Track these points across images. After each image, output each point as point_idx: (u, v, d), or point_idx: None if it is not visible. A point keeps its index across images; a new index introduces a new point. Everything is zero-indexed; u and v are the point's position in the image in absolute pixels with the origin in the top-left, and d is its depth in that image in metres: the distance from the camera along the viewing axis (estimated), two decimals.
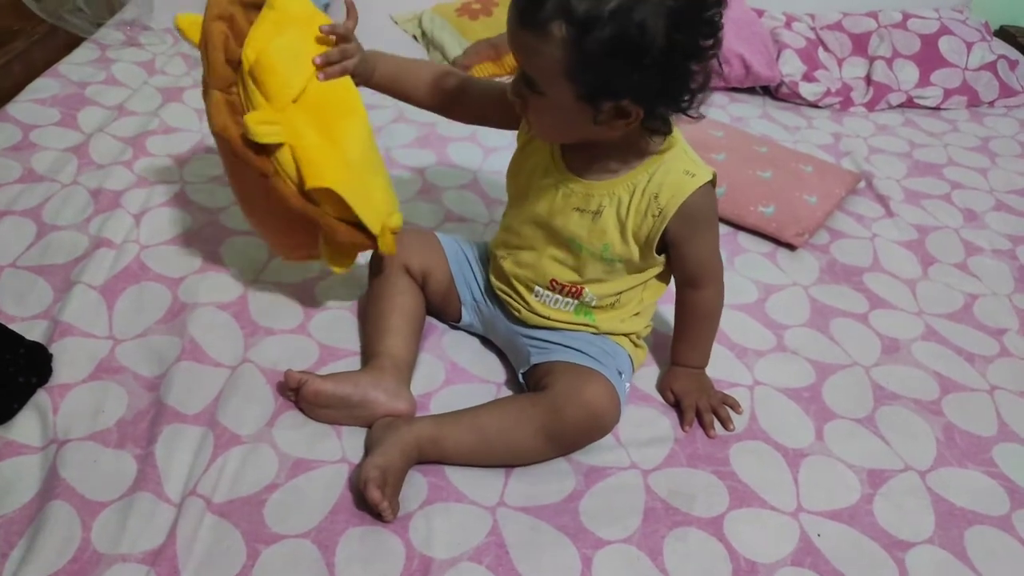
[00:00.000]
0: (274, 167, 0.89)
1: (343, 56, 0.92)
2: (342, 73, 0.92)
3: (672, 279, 0.98)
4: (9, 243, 1.12)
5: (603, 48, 0.73)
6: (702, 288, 0.95)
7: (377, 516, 0.80)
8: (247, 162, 0.89)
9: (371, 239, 0.94)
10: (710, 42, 0.77)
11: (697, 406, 0.96)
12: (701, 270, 0.94)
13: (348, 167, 0.92)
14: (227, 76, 0.91)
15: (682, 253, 0.92)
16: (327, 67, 0.91)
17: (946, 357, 1.12)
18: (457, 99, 1.00)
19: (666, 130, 0.86)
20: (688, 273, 0.95)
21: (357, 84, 0.96)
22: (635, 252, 0.91)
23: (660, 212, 0.87)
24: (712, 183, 0.89)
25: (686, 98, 0.80)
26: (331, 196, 0.89)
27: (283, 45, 0.89)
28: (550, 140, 0.91)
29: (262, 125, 0.86)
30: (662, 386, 1.00)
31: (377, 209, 0.94)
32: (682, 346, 1.00)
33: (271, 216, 0.97)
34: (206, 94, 0.93)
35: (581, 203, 0.90)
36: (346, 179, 0.90)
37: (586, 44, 0.73)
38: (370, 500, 0.78)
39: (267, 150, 0.88)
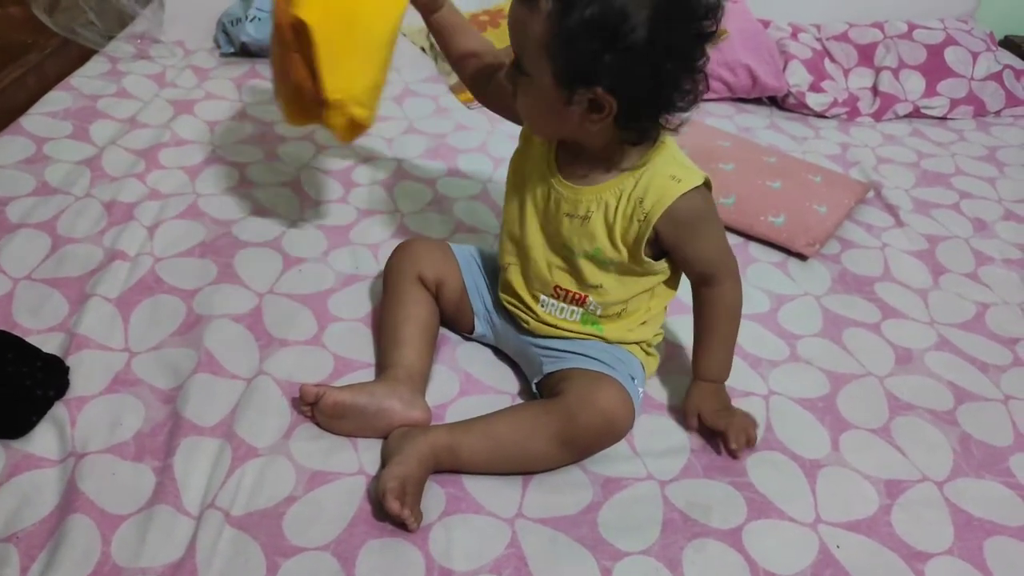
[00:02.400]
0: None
1: None
2: None
3: (678, 286, 0.98)
4: (24, 256, 1.12)
5: (582, 26, 0.75)
6: (716, 284, 0.94)
7: (401, 526, 0.80)
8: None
9: (321, 103, 0.95)
10: (696, 51, 0.78)
11: (728, 428, 0.93)
12: (711, 268, 0.93)
13: (345, 25, 0.94)
14: None
15: (685, 256, 0.92)
16: None
17: (959, 367, 1.12)
18: (489, 79, 1.02)
19: (641, 140, 0.86)
20: (698, 273, 0.94)
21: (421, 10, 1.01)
22: (625, 255, 0.91)
23: (645, 217, 0.87)
24: (704, 187, 0.89)
25: (662, 104, 0.81)
26: (308, 40, 0.92)
27: None
28: (536, 130, 0.93)
29: None
30: (687, 408, 0.96)
31: (348, 81, 0.95)
32: (704, 354, 0.97)
33: (282, 75, 1.00)
34: None
35: (570, 209, 0.91)
36: (331, 30, 0.92)
37: (567, 20, 0.75)
38: (390, 511, 0.79)
39: None
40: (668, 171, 0.87)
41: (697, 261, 0.93)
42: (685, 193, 0.86)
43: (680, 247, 0.91)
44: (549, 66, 0.79)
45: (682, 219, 0.88)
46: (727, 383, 1.00)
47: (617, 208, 0.88)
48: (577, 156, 0.90)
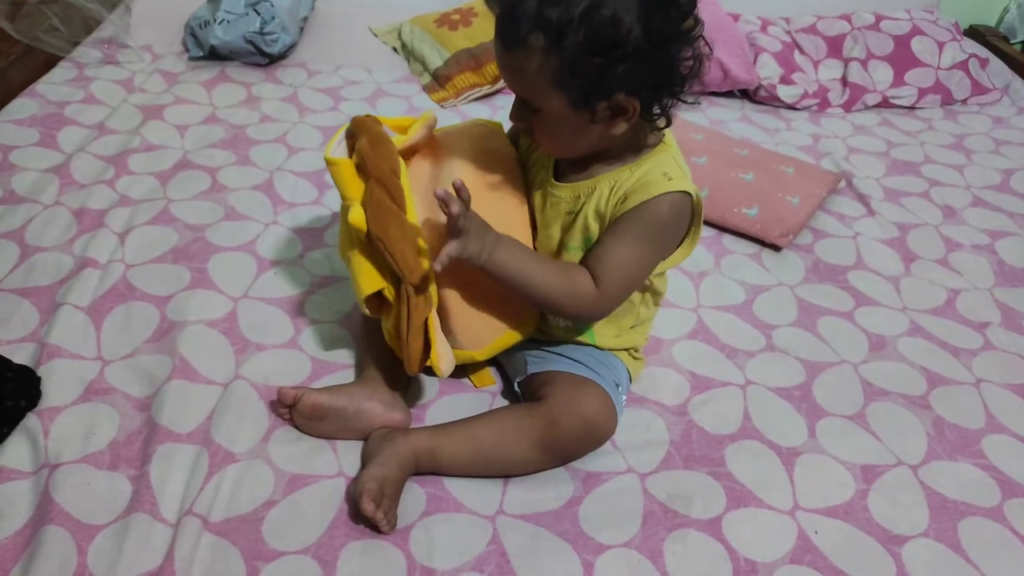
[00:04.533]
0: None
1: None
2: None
3: (665, 290, 0.98)
4: None
5: (582, 49, 0.74)
6: (593, 282, 0.86)
7: (374, 528, 0.80)
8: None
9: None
10: (688, 23, 0.77)
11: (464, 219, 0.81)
12: (600, 269, 0.85)
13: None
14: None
15: (602, 240, 0.86)
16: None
17: (932, 352, 1.14)
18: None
19: (670, 121, 0.85)
20: (587, 264, 0.87)
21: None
22: None
23: (624, 203, 0.85)
24: (690, 197, 0.84)
25: (678, 84, 0.80)
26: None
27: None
28: (561, 156, 0.89)
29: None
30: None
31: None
32: (526, 251, 0.87)
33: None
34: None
35: (570, 206, 0.89)
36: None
37: (565, 49, 0.74)
38: (365, 512, 0.78)
39: None
40: (663, 168, 0.85)
41: (599, 256, 0.86)
42: (668, 193, 0.83)
43: (609, 232, 0.86)
44: (562, 95, 0.78)
45: (641, 214, 0.84)
46: (706, 376, 1.00)
47: (608, 197, 0.86)
48: (580, 159, 0.88)
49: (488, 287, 0.89)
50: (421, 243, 0.84)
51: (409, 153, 0.95)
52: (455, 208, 0.78)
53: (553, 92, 0.78)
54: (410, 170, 0.93)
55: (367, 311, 0.90)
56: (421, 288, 0.84)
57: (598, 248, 0.87)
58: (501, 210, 0.90)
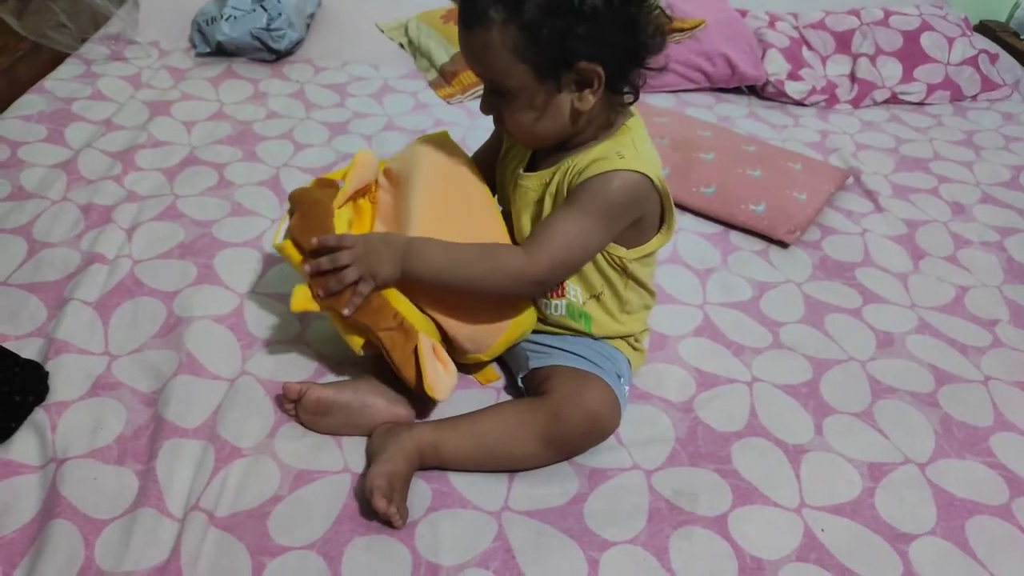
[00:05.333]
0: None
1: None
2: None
3: (651, 279, 0.97)
4: (0, 261, 1.11)
5: (540, 11, 0.75)
6: (523, 250, 0.86)
7: (387, 524, 0.80)
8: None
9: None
10: None
11: (348, 263, 0.85)
12: (537, 233, 0.86)
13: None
14: None
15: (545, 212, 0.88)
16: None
17: (940, 349, 1.13)
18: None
19: (638, 94, 0.86)
20: (527, 236, 0.89)
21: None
22: None
23: (576, 181, 0.85)
24: (645, 177, 0.83)
25: (642, 50, 0.81)
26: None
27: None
28: (535, 143, 0.90)
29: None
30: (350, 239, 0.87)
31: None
32: (433, 243, 0.87)
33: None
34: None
35: (537, 195, 0.91)
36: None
37: (525, 15, 0.75)
38: (377, 509, 0.78)
39: None
40: (618, 148, 0.85)
41: (540, 224, 0.87)
42: (616, 171, 0.82)
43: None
44: (526, 68, 0.79)
45: (585, 188, 0.83)
46: (712, 373, 1.00)
47: (564, 178, 0.86)
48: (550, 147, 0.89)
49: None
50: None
51: (364, 193, 0.99)
52: (334, 261, 0.85)
53: (517, 65, 0.79)
54: (378, 206, 0.98)
55: (362, 352, 0.92)
56: (391, 327, 0.87)
57: (544, 218, 0.88)
58: (469, 218, 0.93)
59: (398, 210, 0.95)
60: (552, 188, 0.88)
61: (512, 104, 0.83)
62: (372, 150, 0.98)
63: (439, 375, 0.88)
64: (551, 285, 0.92)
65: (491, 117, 0.89)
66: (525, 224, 0.92)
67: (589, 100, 0.81)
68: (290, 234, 0.91)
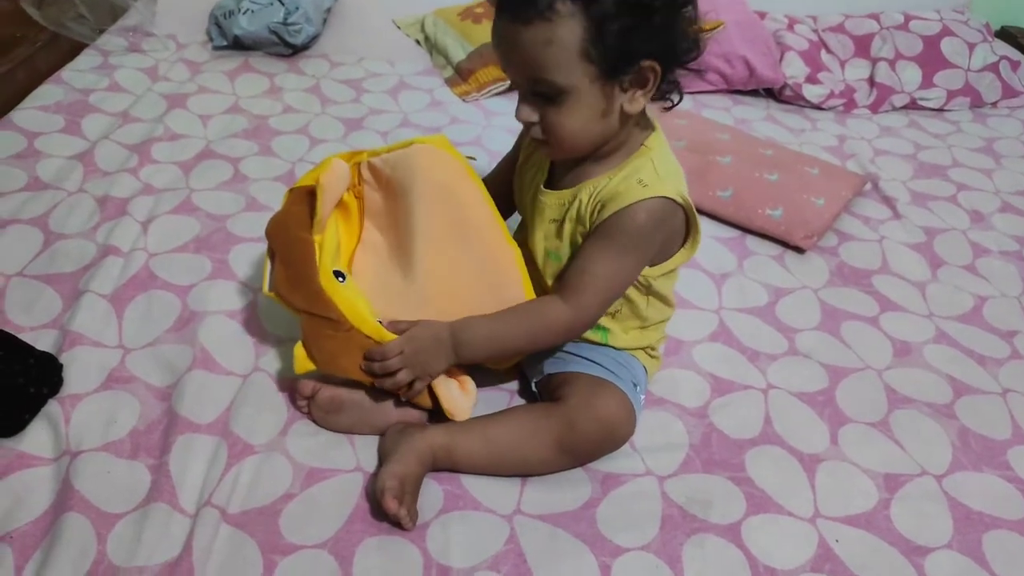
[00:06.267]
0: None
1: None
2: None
3: (672, 291, 0.96)
4: (16, 252, 1.11)
5: (614, 8, 0.72)
6: (562, 300, 0.86)
7: (396, 525, 0.80)
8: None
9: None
10: None
11: (399, 368, 0.85)
12: (576, 280, 0.85)
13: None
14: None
15: (580, 251, 0.86)
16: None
17: (958, 360, 1.12)
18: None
19: (681, 97, 0.84)
20: (564, 277, 0.88)
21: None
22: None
23: (601, 212, 0.84)
24: (671, 201, 0.82)
25: (692, 48, 0.80)
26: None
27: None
28: (574, 150, 0.85)
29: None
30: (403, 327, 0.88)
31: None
32: (478, 320, 0.87)
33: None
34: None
35: (554, 214, 0.89)
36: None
37: (598, 10, 0.72)
38: (388, 510, 0.78)
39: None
40: (639, 175, 0.83)
41: (576, 264, 0.86)
42: (643, 201, 0.81)
43: (585, 243, 0.85)
44: (589, 66, 0.75)
45: (615, 223, 0.82)
46: (727, 379, 0.99)
47: (587, 205, 0.85)
48: (571, 162, 0.88)
49: (484, 306, 0.89)
50: (366, 328, 0.87)
51: (345, 188, 0.96)
52: (385, 368, 0.85)
53: (580, 65, 0.75)
54: (366, 202, 0.97)
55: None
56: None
57: (576, 259, 0.87)
58: (475, 242, 0.92)
59: (398, 234, 0.95)
60: (572, 212, 0.86)
61: (562, 107, 0.78)
62: (339, 159, 0.96)
63: (455, 399, 0.89)
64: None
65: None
66: (539, 238, 0.91)
67: (640, 102, 0.80)
68: (275, 288, 0.91)
